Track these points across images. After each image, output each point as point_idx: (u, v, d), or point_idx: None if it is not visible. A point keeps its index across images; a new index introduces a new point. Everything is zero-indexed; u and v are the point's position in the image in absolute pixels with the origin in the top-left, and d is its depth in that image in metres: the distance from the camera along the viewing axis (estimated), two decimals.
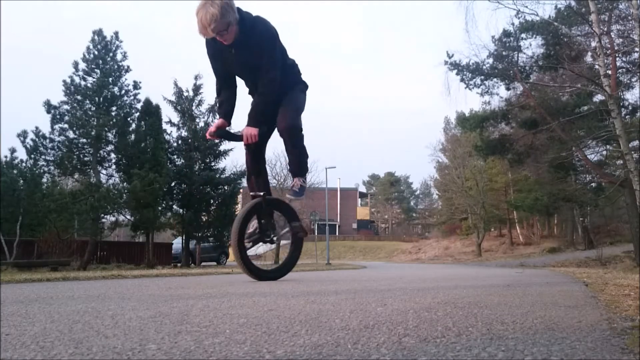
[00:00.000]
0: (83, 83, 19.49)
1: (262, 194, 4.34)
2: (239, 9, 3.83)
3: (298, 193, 4.39)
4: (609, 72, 17.85)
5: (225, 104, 4.30)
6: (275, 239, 4.64)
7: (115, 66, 20.02)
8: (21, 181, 18.53)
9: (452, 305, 2.22)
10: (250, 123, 4.05)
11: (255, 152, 4.36)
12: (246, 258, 4.24)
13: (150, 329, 1.56)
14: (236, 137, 4.27)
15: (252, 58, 3.98)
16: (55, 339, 1.40)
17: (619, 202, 25.76)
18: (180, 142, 26.03)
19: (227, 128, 4.33)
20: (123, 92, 20.20)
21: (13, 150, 18.89)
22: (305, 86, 4.43)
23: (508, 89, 23.06)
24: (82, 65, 19.59)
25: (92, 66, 19.67)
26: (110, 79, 19.77)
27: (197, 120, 26.06)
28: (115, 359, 1.16)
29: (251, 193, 4.44)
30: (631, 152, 16.71)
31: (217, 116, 4.40)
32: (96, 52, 19.81)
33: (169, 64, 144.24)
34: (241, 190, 29.45)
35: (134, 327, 1.61)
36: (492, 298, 2.60)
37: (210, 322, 1.70)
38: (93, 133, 18.80)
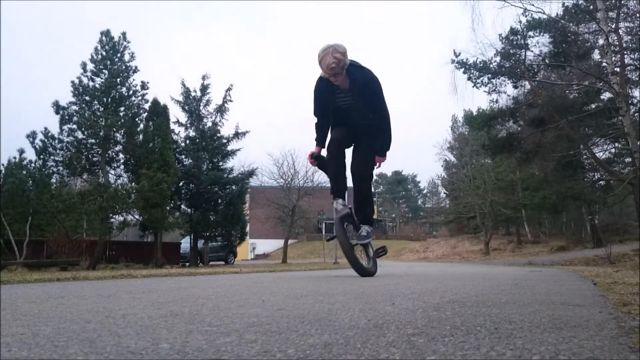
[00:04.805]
0: (91, 84, 19.56)
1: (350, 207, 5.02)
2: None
3: (365, 237, 5.08)
4: (617, 69, 17.76)
5: (321, 134, 5.08)
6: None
7: (123, 67, 20.06)
8: (30, 182, 18.62)
9: (460, 304, 2.22)
10: (381, 154, 5.01)
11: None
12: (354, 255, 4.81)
13: (162, 329, 1.58)
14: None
15: (364, 100, 4.71)
16: (68, 339, 1.42)
17: (628, 200, 25.59)
18: (188, 142, 26.12)
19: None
20: (131, 92, 20.22)
21: (22, 151, 18.96)
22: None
23: (516, 87, 22.96)
24: (91, 66, 19.65)
25: (100, 67, 19.72)
26: (118, 79, 19.82)
27: (205, 120, 26.15)
28: (129, 358, 1.18)
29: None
30: None
31: (316, 144, 5.13)
32: (104, 53, 19.87)
33: (176, 64, 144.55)
34: (249, 190, 29.49)
35: (146, 326, 1.63)
36: (500, 297, 2.61)
37: (221, 322, 1.72)
38: (101, 133, 18.87)
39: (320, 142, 5.07)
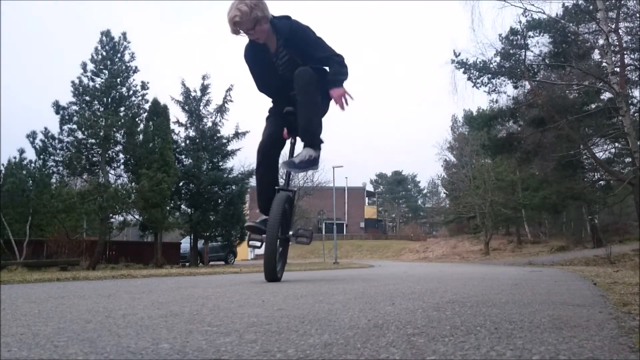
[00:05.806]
0: (91, 84, 19.60)
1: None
2: (274, 16, 3.96)
3: (296, 165, 4.05)
4: (617, 69, 17.77)
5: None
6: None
7: (123, 67, 20.09)
8: (30, 182, 18.62)
9: (460, 304, 2.22)
10: (338, 85, 4.02)
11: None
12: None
13: (162, 329, 1.58)
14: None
15: (297, 50, 4.06)
16: (68, 339, 1.41)
17: (628, 200, 25.60)
18: (188, 142, 26.14)
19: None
20: (131, 92, 20.26)
21: (22, 151, 18.96)
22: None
23: (516, 87, 22.98)
24: (91, 66, 19.70)
25: (101, 67, 19.76)
26: (119, 79, 19.85)
27: (205, 120, 26.18)
28: (129, 358, 1.18)
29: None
30: None
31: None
32: (104, 53, 19.90)
33: (176, 63, 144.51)
34: (249, 190, 29.52)
35: (146, 326, 1.63)
36: (500, 297, 2.61)
37: (221, 322, 1.72)
38: (101, 133, 18.89)
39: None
